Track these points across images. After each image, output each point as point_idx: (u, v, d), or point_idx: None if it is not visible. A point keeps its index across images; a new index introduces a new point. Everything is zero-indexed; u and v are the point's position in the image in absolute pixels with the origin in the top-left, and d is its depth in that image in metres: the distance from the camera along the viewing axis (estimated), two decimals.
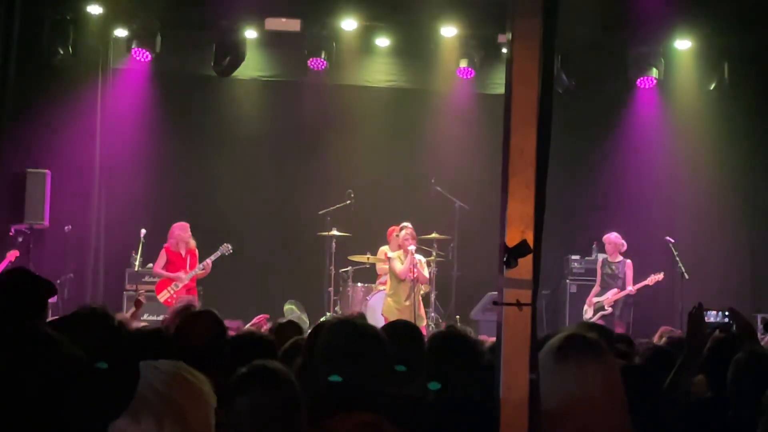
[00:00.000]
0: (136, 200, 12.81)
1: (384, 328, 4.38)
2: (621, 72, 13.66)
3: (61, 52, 12.23)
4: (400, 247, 11.90)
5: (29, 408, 3.44)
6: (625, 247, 12.25)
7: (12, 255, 10.92)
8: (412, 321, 9.73)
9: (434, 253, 12.03)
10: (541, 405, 2.43)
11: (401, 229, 11.48)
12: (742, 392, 3.87)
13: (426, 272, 11.65)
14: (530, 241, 2.33)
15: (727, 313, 4.22)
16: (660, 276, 11.96)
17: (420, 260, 11.50)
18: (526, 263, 2.32)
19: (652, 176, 13.77)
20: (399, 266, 11.42)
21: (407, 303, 11.30)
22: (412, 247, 11.32)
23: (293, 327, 5.75)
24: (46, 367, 3.54)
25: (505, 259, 2.32)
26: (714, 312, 4.23)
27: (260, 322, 8.77)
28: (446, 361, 3.78)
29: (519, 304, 2.31)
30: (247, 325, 9.37)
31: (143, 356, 2.50)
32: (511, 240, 2.33)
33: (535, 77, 2.43)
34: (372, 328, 3.40)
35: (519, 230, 2.34)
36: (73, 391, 3.15)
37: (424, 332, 10.37)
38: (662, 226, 13.15)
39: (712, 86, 13.33)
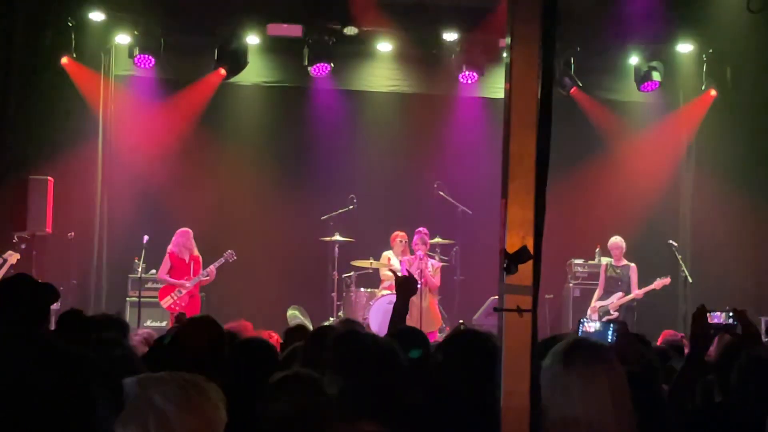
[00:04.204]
0: (138, 207, 12.80)
1: (388, 334, 4.37)
2: (622, 75, 13.68)
3: (64, 58, 12.27)
4: (403, 251, 11.92)
5: (33, 412, 3.44)
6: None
7: (12, 257, 10.84)
8: (419, 325, 9.77)
9: (437, 258, 12.06)
10: (541, 412, 2.42)
11: (416, 233, 11.53)
12: (746, 395, 3.84)
13: (437, 278, 11.73)
14: (530, 247, 2.31)
15: (731, 314, 4.20)
16: (667, 280, 11.97)
17: (431, 266, 11.50)
18: (526, 269, 2.31)
19: (654, 179, 13.75)
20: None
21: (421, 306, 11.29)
22: (419, 252, 11.43)
23: (302, 332, 5.72)
24: (49, 372, 3.54)
25: (505, 265, 2.31)
26: (718, 313, 4.20)
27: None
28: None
29: (519, 310, 2.30)
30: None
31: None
32: (511, 246, 2.32)
33: (534, 82, 2.42)
34: (385, 339, 3.37)
35: (519, 236, 2.33)
36: (75, 395, 3.14)
37: (436, 336, 10.42)
38: (665, 229, 13.13)
39: (714, 89, 13.34)
